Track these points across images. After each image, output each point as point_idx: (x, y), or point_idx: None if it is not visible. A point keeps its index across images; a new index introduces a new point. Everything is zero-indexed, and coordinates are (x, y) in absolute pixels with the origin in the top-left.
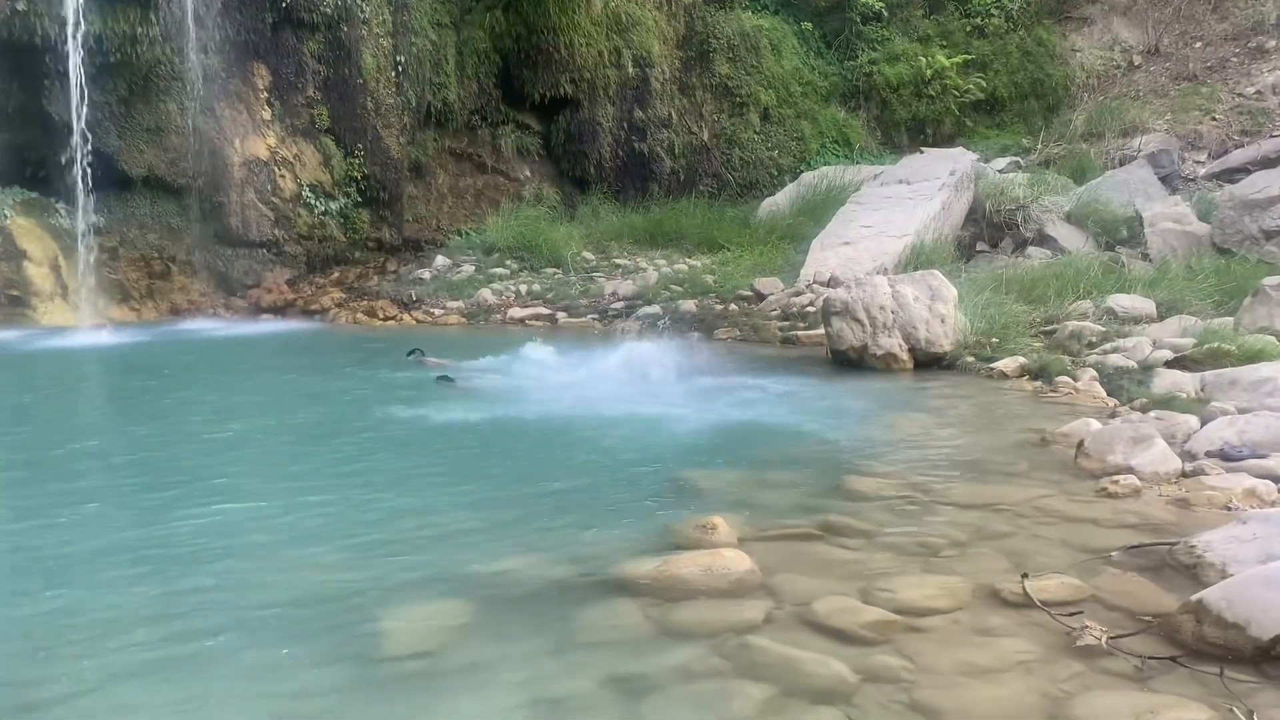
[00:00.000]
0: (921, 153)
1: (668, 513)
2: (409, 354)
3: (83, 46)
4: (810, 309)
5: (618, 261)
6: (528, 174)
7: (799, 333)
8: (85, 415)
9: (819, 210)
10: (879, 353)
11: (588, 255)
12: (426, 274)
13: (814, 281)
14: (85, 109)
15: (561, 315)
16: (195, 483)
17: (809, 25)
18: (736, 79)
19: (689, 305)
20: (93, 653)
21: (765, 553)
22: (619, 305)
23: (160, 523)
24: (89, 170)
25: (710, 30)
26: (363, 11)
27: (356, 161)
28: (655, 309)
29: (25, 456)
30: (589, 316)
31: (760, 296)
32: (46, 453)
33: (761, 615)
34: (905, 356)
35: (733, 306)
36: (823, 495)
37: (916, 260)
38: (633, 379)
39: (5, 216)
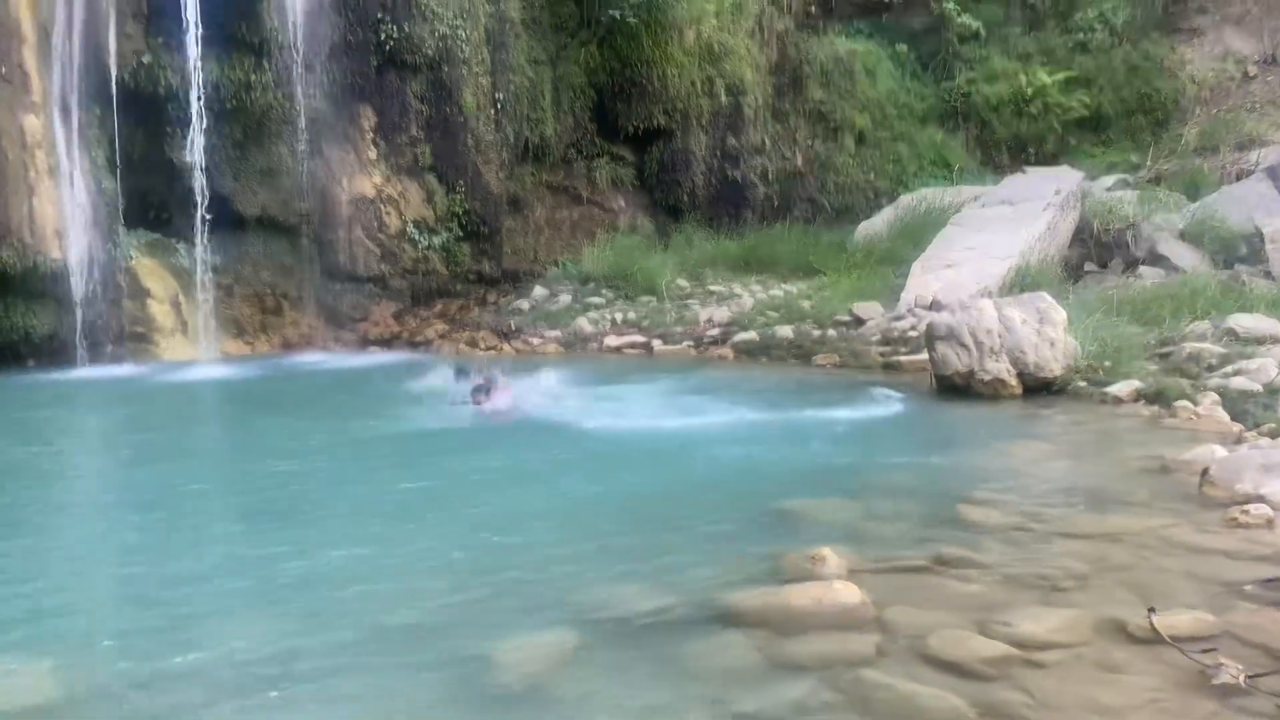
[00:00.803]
0: (1024, 172)
1: (774, 543)
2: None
3: (202, 94)
4: (912, 333)
5: (712, 288)
6: (622, 204)
7: (901, 358)
8: (212, 449)
9: (918, 233)
10: (986, 378)
11: (682, 283)
12: (525, 304)
13: (915, 305)
14: (203, 154)
15: (657, 343)
16: (311, 511)
17: (904, 48)
18: (830, 104)
19: (786, 331)
20: (221, 666)
21: (877, 585)
22: (714, 332)
23: (284, 554)
24: (207, 212)
25: (803, 56)
26: (463, 52)
27: (458, 197)
28: (752, 335)
29: (162, 487)
30: (684, 344)
31: (859, 321)
32: (184, 486)
33: (875, 649)
34: (1013, 382)
35: (831, 332)
36: (934, 526)
37: (1022, 282)
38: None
39: (131, 257)
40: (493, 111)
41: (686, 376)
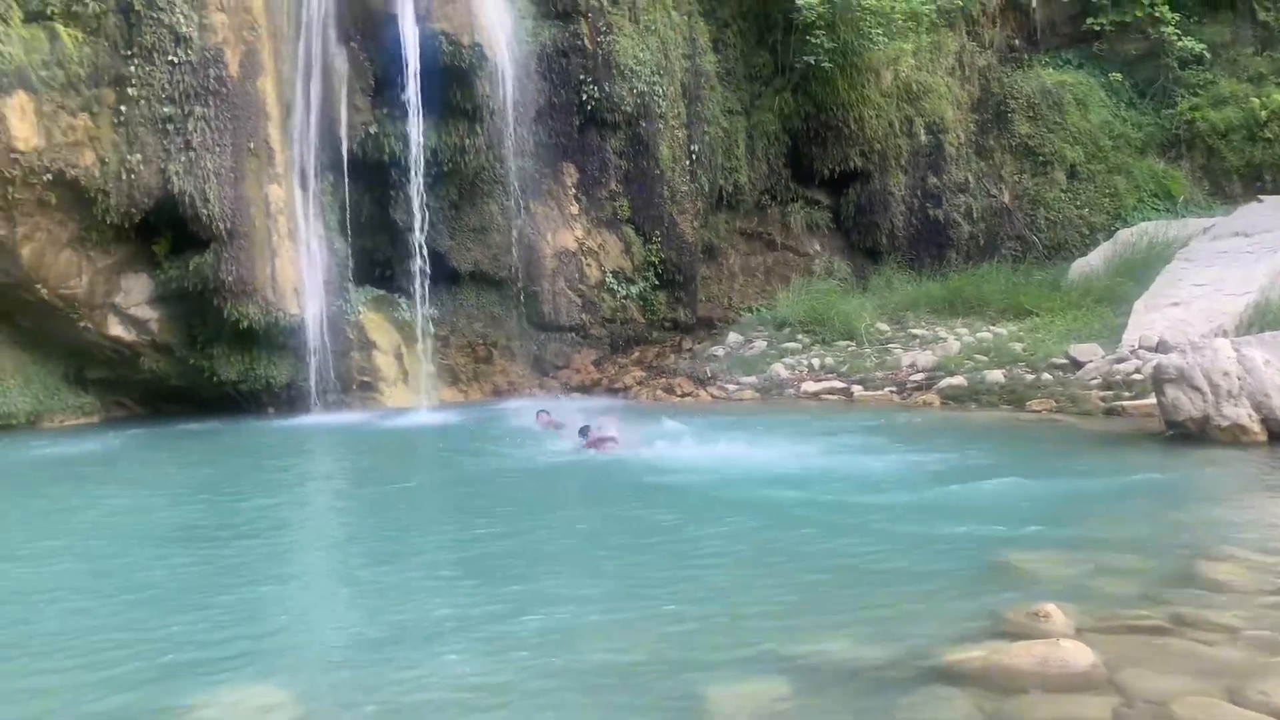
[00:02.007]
0: (1260, 201)
1: (992, 597)
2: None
3: (421, 160)
4: (1137, 376)
5: (915, 332)
6: (817, 248)
7: (1125, 403)
8: (431, 492)
9: (1140, 269)
10: (1223, 424)
11: (882, 327)
12: (720, 351)
13: (1139, 346)
14: (423, 214)
15: (857, 389)
16: (511, 551)
17: (1118, 76)
18: (1038, 137)
19: (996, 375)
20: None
21: (1108, 645)
22: (918, 377)
23: (503, 594)
24: (426, 268)
25: (1007, 91)
26: (660, 107)
27: (654, 247)
28: (959, 380)
29: (388, 531)
30: (886, 390)
31: (1077, 364)
32: (408, 528)
33: (1109, 714)
34: (1256, 428)
35: (1046, 376)
36: (1171, 583)
37: (1262, 320)
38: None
39: (359, 312)
40: (688, 162)
41: (889, 422)
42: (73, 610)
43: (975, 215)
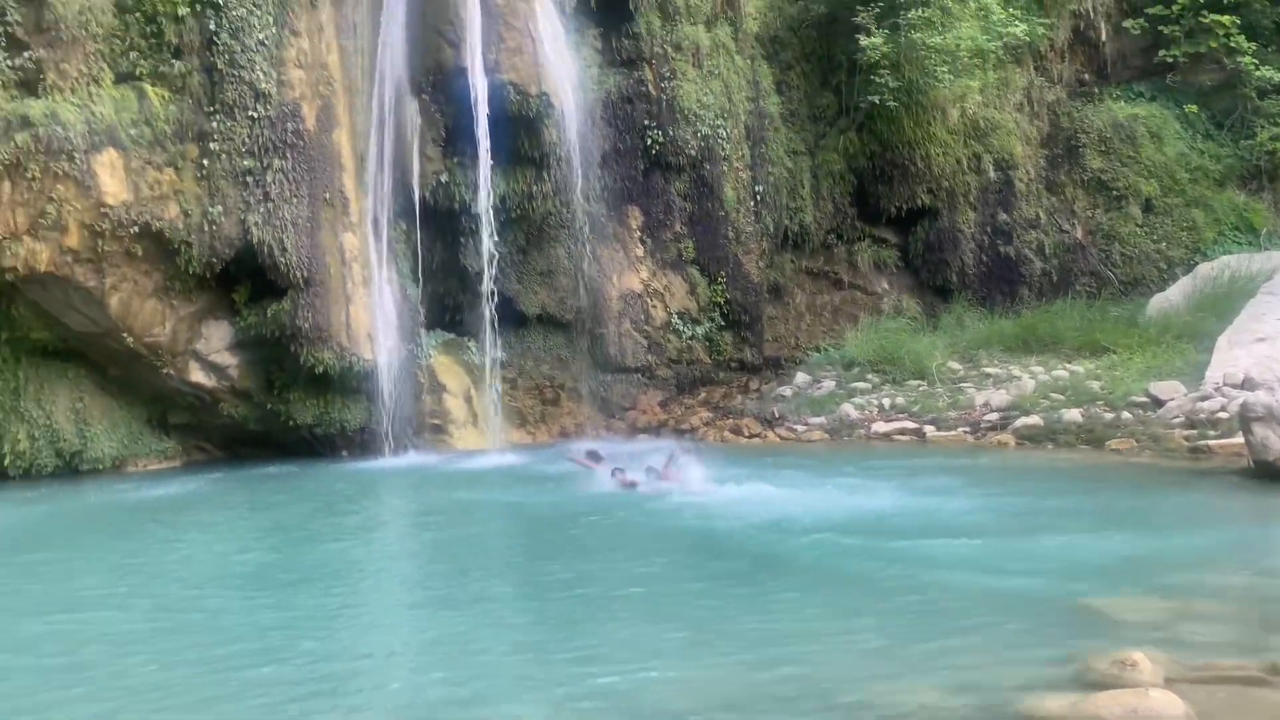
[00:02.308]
0: None
1: (1075, 644)
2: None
3: (490, 206)
4: (1222, 415)
5: (988, 370)
6: (886, 287)
7: (1210, 442)
8: (504, 536)
9: (1222, 304)
10: None
11: (954, 365)
12: (788, 391)
13: (1224, 383)
14: (492, 259)
15: (929, 429)
16: (599, 600)
17: (1193, 108)
18: (1111, 172)
19: (1073, 414)
20: None
21: (1200, 696)
22: (993, 417)
23: (576, 645)
24: (494, 311)
25: (1078, 125)
26: (724, 150)
27: (719, 287)
28: (1035, 419)
29: (462, 576)
30: (960, 430)
31: (1158, 402)
32: (498, 577)
33: None
34: None
35: (1125, 414)
36: (1267, 630)
37: None
38: None
39: (429, 355)
40: (752, 203)
41: (963, 463)
42: (154, 656)
43: (1047, 251)
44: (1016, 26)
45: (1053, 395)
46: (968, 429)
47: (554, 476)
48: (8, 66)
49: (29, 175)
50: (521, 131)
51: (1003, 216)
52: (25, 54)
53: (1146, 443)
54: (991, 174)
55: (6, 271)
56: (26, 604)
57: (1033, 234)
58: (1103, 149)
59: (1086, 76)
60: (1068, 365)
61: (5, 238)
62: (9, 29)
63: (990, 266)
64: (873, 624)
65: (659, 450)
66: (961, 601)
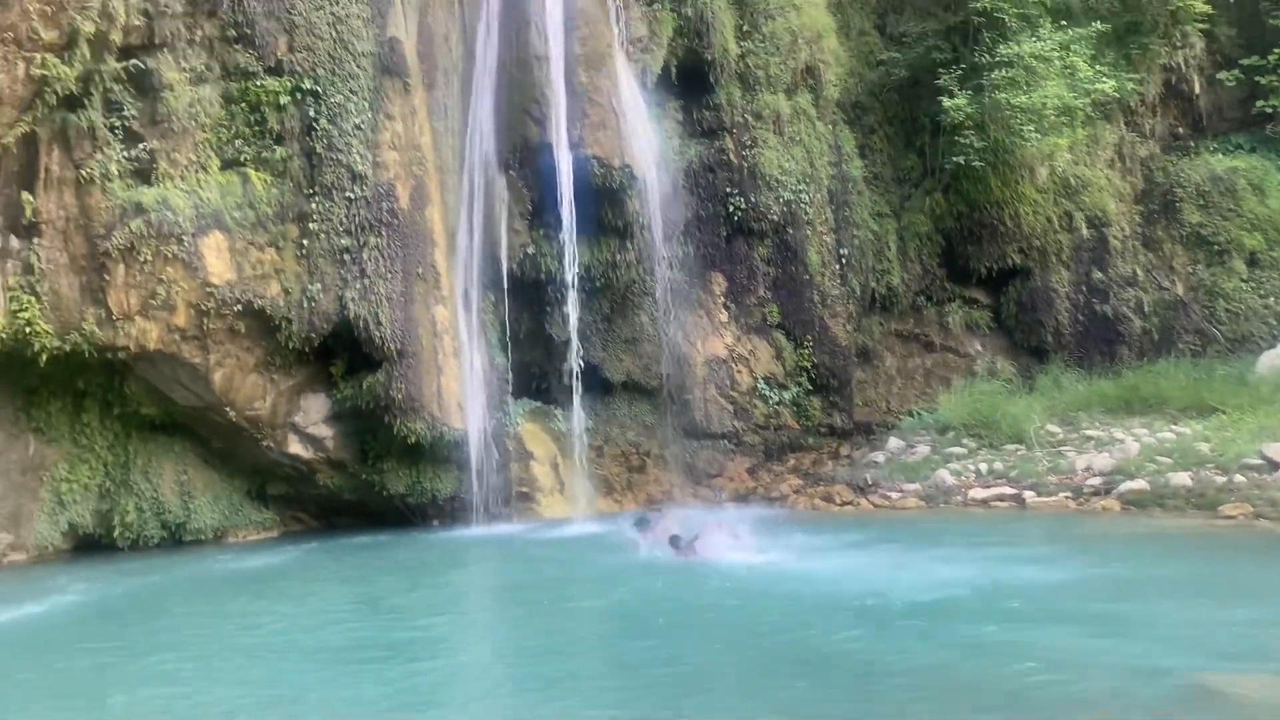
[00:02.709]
0: None
1: None
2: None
3: (575, 276)
4: None
5: (1089, 433)
6: (978, 348)
7: None
8: (603, 608)
9: None
10: None
11: (1053, 428)
12: (880, 457)
13: None
14: (577, 327)
15: (1029, 494)
16: (696, 679)
17: None
18: (1211, 226)
19: (1181, 478)
20: None
21: None
22: (1095, 481)
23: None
24: (580, 379)
25: (1173, 180)
26: (807, 214)
27: (806, 352)
28: (1140, 484)
29: (567, 647)
30: (1061, 495)
31: (1273, 465)
32: (593, 654)
33: None
34: None
35: (1238, 478)
36: None
37: None
38: None
39: (517, 424)
40: (837, 266)
41: (1066, 530)
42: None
43: (1147, 309)
44: (1104, 83)
45: (1159, 458)
46: (1069, 494)
47: (628, 546)
48: (124, 158)
49: (141, 259)
50: (605, 202)
51: (1098, 274)
52: (140, 145)
53: (1263, 507)
54: (1084, 231)
55: (119, 350)
56: (123, 676)
57: (1130, 292)
58: (1201, 203)
59: (1181, 130)
60: (1174, 427)
61: (119, 318)
62: (126, 123)
63: (1087, 326)
64: (983, 705)
65: (711, 519)
66: (1069, 679)
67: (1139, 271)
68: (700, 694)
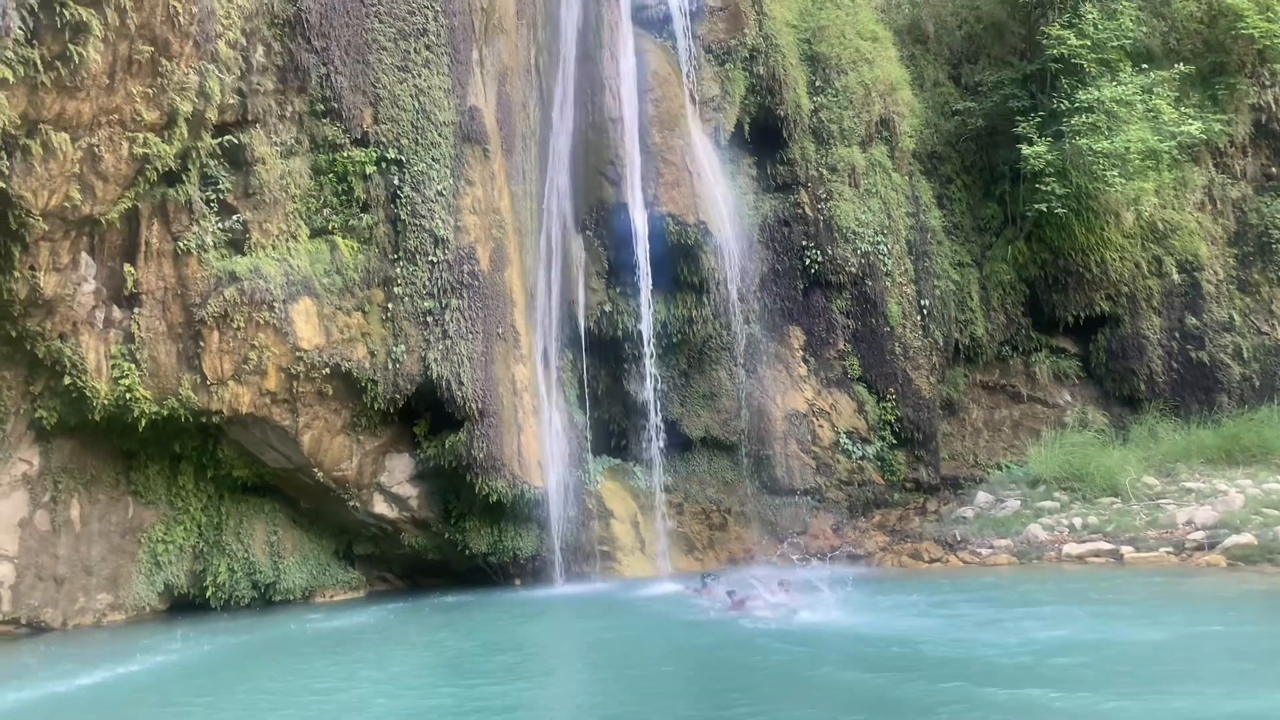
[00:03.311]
0: None
1: None
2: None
3: (652, 333)
4: None
5: (1188, 485)
6: (1068, 398)
7: None
8: (691, 675)
9: None
10: None
11: (1150, 481)
12: (969, 512)
13: None
14: (655, 384)
15: (1126, 550)
16: None
17: None
18: None
19: None
20: None
21: None
22: (1198, 535)
23: None
24: (659, 436)
25: (1268, 221)
26: (885, 265)
27: (888, 405)
28: (1247, 538)
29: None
30: (1161, 550)
31: None
32: None
33: None
34: None
35: None
36: None
37: None
38: None
39: (597, 482)
40: (919, 318)
41: (1168, 587)
42: None
43: (1246, 355)
44: (1191, 125)
45: (1265, 511)
46: (1170, 549)
47: (721, 608)
48: (219, 229)
49: (234, 325)
50: (680, 259)
51: (1191, 320)
52: (234, 217)
53: None
54: (1175, 276)
55: (214, 414)
56: None
57: (1227, 337)
58: None
59: (1273, 170)
60: None
61: (213, 383)
62: (221, 195)
63: (1182, 374)
64: None
65: (764, 578)
66: None
67: (1235, 316)
68: None
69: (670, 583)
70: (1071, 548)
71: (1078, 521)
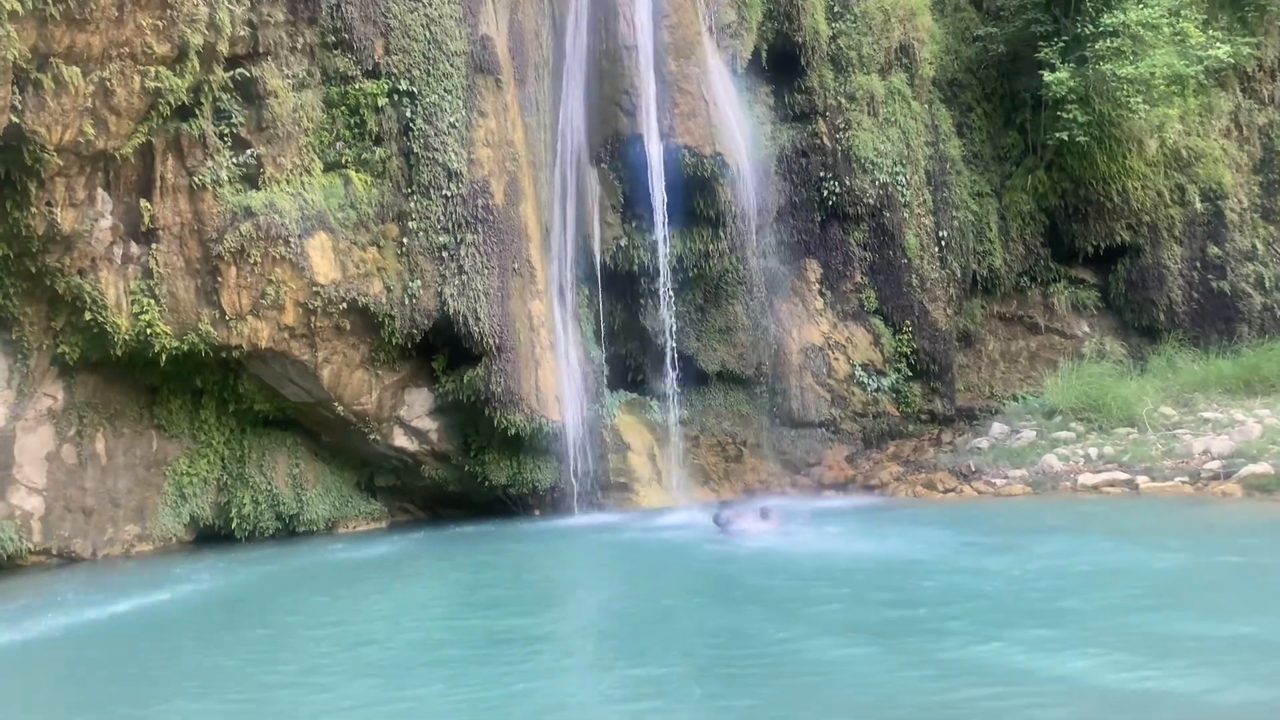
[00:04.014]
0: None
1: None
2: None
3: (668, 267)
4: None
5: (1205, 415)
6: (1085, 329)
7: None
8: (705, 598)
9: None
10: None
11: (1167, 411)
12: (984, 443)
13: None
14: (671, 318)
15: (1142, 479)
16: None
17: None
18: None
19: None
20: None
21: None
22: (1214, 465)
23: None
24: (675, 370)
25: None
26: (903, 196)
27: (905, 337)
28: (1264, 467)
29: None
30: (1177, 480)
31: None
32: (695, 648)
33: None
34: None
35: None
36: None
37: None
38: None
39: (614, 415)
40: (936, 249)
41: (1184, 517)
42: (358, 699)
43: (1268, 284)
44: (1219, 49)
45: None
46: (1186, 479)
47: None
48: (234, 164)
49: (251, 260)
50: (697, 192)
51: (1214, 250)
52: (248, 151)
53: None
54: (1198, 205)
55: (233, 349)
56: (240, 660)
57: (1250, 266)
58: None
59: None
60: None
61: (232, 318)
62: (235, 130)
63: (1202, 304)
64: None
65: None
66: (1208, 679)
67: (1259, 245)
68: (803, 688)
69: (685, 512)
70: (1087, 477)
71: (1093, 452)
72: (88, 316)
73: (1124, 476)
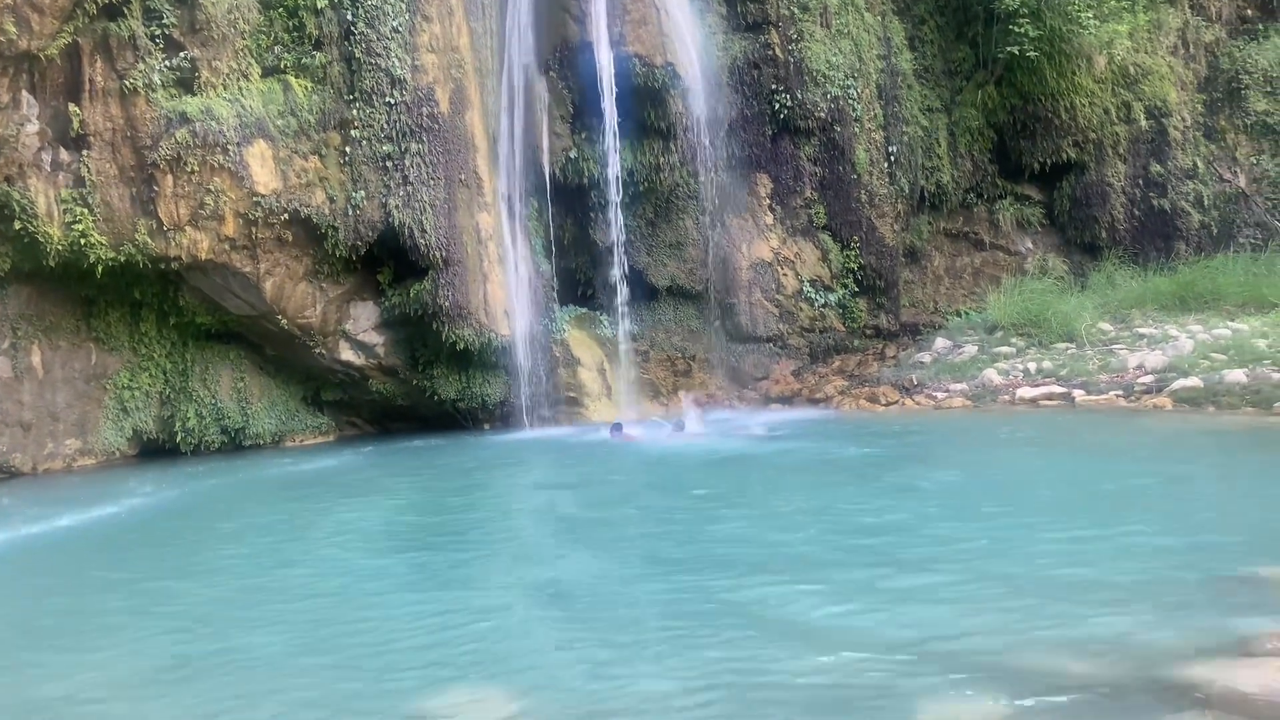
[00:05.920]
0: None
1: (1237, 615)
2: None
3: (619, 180)
4: None
5: (1141, 331)
6: (1029, 246)
7: None
8: (643, 499)
9: None
10: None
11: (1104, 327)
12: (926, 357)
13: None
14: (621, 233)
15: (1079, 393)
16: (734, 557)
17: None
18: (1279, 114)
19: (1237, 375)
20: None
21: None
22: (1147, 379)
23: (712, 601)
24: (625, 285)
25: (1239, 65)
26: (854, 111)
27: (852, 253)
28: (1194, 381)
29: (610, 538)
30: (1111, 393)
31: None
32: (634, 544)
33: None
34: None
35: None
36: None
37: None
38: None
39: (563, 330)
40: (886, 165)
41: (1118, 428)
42: (310, 614)
43: (1206, 203)
44: None
45: (1214, 355)
46: (1120, 392)
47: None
48: (166, 67)
49: (188, 169)
50: (647, 103)
51: (1156, 168)
52: (181, 54)
53: None
54: (1143, 123)
55: (172, 260)
56: (195, 566)
57: (1190, 185)
58: (1269, 90)
59: (1249, 12)
60: (1230, 323)
61: (170, 228)
62: (166, 31)
63: (1143, 221)
64: (1024, 591)
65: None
66: (1115, 568)
67: (1199, 164)
68: (731, 569)
69: (634, 426)
70: (1025, 391)
71: (1032, 366)
72: (17, 226)
73: (1061, 390)
